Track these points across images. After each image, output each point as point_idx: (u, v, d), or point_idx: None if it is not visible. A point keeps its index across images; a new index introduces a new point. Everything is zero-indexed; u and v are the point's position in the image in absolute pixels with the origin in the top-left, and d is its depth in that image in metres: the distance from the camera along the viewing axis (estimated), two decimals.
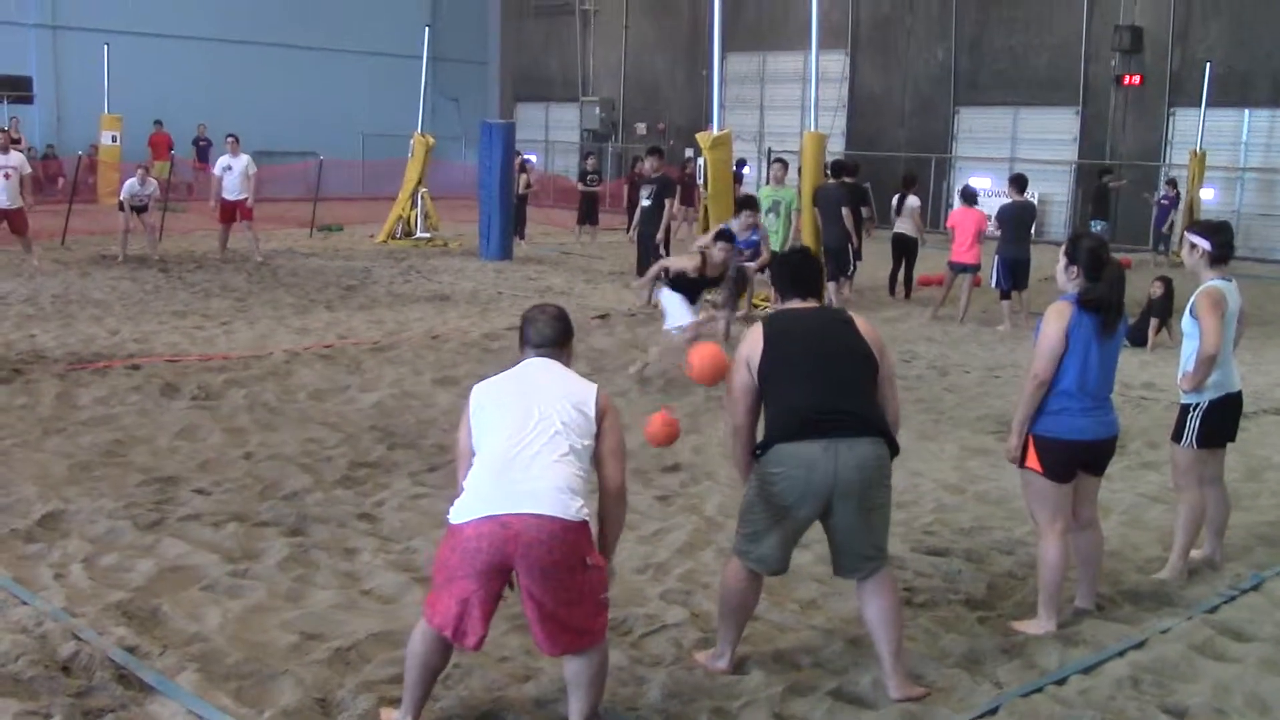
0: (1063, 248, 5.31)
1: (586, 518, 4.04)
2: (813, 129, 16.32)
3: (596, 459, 4.20)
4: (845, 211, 14.67)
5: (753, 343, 4.64)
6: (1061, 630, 5.17)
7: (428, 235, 21.84)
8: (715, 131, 15.15)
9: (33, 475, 6.92)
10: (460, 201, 26.27)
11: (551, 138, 36.68)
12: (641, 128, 34.05)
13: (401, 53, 30.28)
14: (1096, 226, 20.51)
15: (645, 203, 14.59)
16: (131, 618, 4.99)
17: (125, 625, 4.89)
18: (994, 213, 15.05)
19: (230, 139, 18.19)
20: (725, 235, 10.50)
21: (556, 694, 4.45)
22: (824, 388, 4.55)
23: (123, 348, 10.88)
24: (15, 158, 15.71)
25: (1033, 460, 5.22)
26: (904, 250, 16.21)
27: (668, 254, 14.47)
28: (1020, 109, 27.66)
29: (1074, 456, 5.21)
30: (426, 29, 23.65)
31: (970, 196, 14.93)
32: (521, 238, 21.18)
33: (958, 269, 14.46)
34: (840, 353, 4.64)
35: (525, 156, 23.71)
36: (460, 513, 4.05)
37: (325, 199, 24.31)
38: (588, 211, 22.78)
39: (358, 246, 20.67)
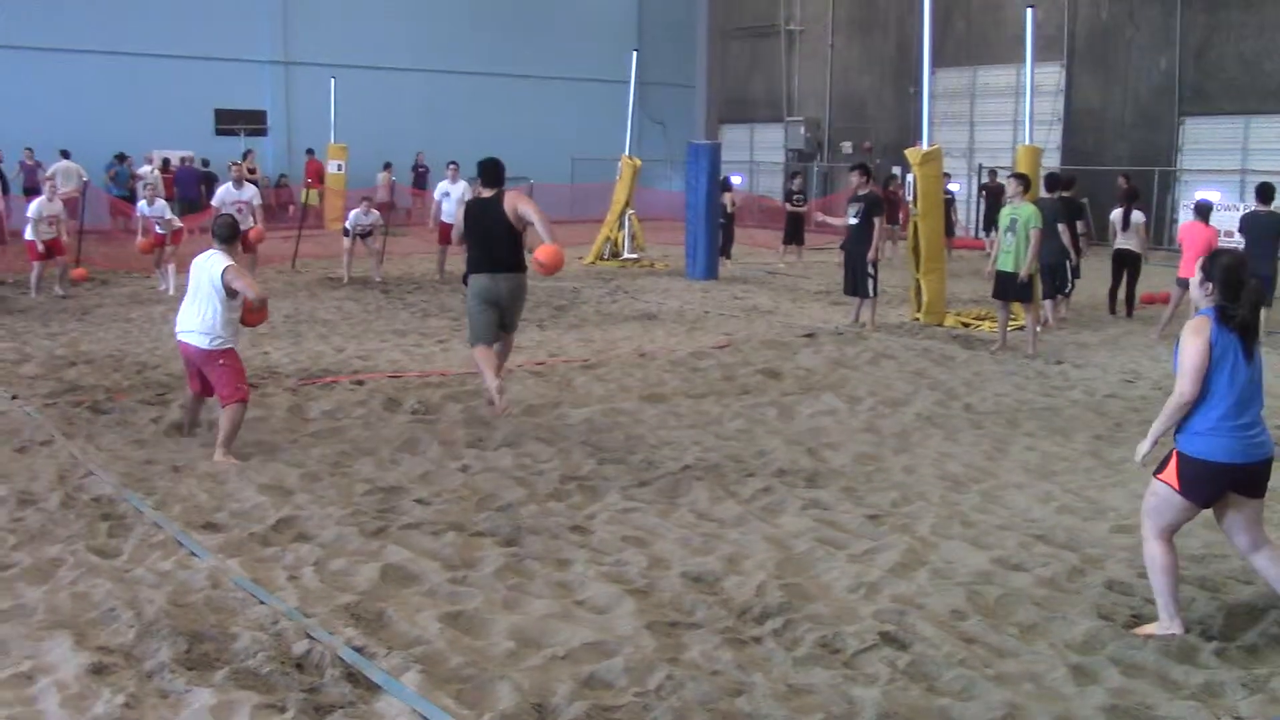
0: (1199, 263, 5.21)
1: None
2: (1027, 143, 15.85)
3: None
4: (1061, 227, 14.19)
5: None
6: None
7: (634, 256, 22.14)
8: (925, 147, 14.89)
9: (268, 483, 7.32)
10: (666, 223, 26.56)
11: (756, 158, 36.73)
12: (847, 146, 33.74)
13: (609, 78, 30.94)
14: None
15: (852, 221, 14.40)
16: (359, 619, 5.21)
17: (353, 626, 5.11)
18: (1235, 224, 14.34)
19: (451, 166, 18.95)
20: None
21: (770, 708, 4.42)
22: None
23: (348, 364, 11.41)
24: (249, 191, 16.74)
25: (1171, 475, 5.15)
26: (1125, 266, 15.55)
27: (877, 274, 14.26)
28: (1252, 118, 26.15)
29: (1219, 479, 5.10)
30: (634, 54, 24.05)
31: (1203, 210, 14.22)
32: (728, 257, 21.25)
33: (1185, 285, 13.77)
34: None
35: (726, 177, 23.79)
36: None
37: None
38: (793, 231, 22.67)
39: (567, 267, 21.04)
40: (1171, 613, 5.18)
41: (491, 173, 8.88)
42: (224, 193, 16.30)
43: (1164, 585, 5.20)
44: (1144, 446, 5.30)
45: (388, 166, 29.60)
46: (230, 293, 7.88)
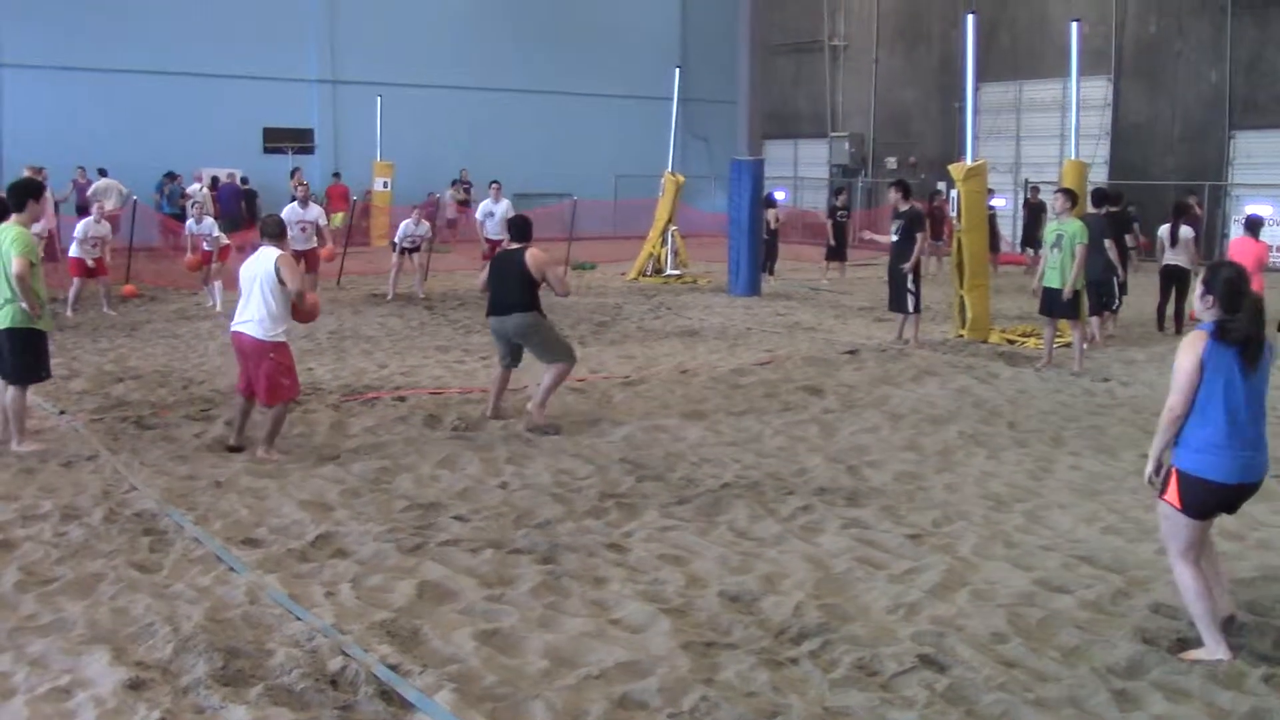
0: (1200, 276, 5.17)
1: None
2: (1073, 158, 15.69)
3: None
4: (1108, 242, 14.02)
5: None
6: None
7: (677, 272, 22.13)
8: (969, 163, 14.78)
9: (308, 499, 7.36)
10: (709, 239, 26.53)
11: (800, 174, 36.62)
12: (892, 161, 33.57)
13: (652, 94, 30.94)
14: None
15: (894, 237, 14.32)
16: (394, 636, 5.21)
17: (388, 643, 5.11)
18: None
19: (494, 185, 19.16)
20: None
21: None
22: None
23: (391, 380, 11.46)
24: (314, 211, 17.06)
25: (1173, 495, 5.12)
26: (1174, 282, 15.32)
27: (918, 289, 14.16)
28: None
29: (1215, 498, 5.10)
30: (677, 70, 24.07)
31: (1254, 225, 13.98)
32: (771, 273, 21.17)
33: None
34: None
35: (769, 193, 23.73)
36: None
37: (579, 238, 25.00)
38: (836, 247, 22.54)
39: (609, 284, 21.15)
40: (1215, 637, 5.09)
41: (519, 229, 9.90)
42: (290, 212, 16.48)
43: (1199, 610, 5.11)
44: (1149, 469, 5.26)
45: (454, 184, 30.03)
46: (283, 281, 8.26)
